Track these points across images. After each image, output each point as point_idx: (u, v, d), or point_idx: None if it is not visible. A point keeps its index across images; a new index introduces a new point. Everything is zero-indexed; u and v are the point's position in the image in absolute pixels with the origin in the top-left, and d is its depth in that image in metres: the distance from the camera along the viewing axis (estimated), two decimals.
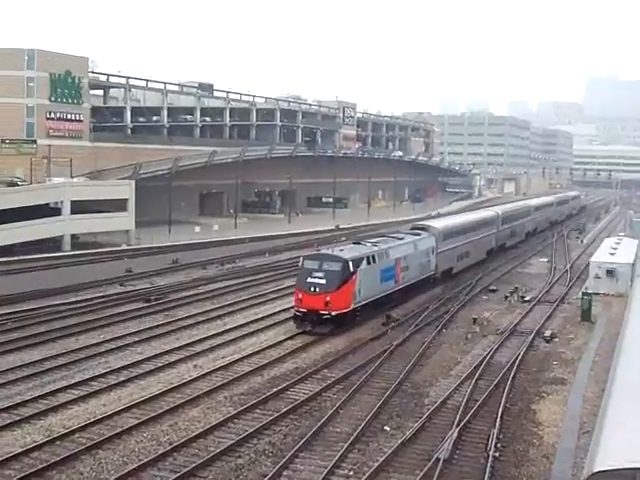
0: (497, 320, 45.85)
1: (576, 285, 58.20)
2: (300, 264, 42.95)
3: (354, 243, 49.94)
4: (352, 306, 41.63)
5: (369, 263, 43.74)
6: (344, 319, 41.15)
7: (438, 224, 60.38)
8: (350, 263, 41.26)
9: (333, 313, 40.29)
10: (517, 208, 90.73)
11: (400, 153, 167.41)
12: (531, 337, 40.70)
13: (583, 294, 48.12)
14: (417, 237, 53.73)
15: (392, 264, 47.40)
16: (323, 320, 40.32)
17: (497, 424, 26.74)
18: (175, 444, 24.73)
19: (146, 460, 23.38)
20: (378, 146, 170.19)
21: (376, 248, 46.41)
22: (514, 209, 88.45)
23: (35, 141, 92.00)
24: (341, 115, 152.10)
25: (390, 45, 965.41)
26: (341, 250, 44.60)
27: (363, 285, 42.54)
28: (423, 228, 57.42)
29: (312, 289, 40.42)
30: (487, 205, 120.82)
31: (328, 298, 40.13)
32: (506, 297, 53.03)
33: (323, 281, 40.39)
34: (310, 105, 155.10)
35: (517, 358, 36.01)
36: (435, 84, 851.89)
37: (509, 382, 32.03)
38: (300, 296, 40.91)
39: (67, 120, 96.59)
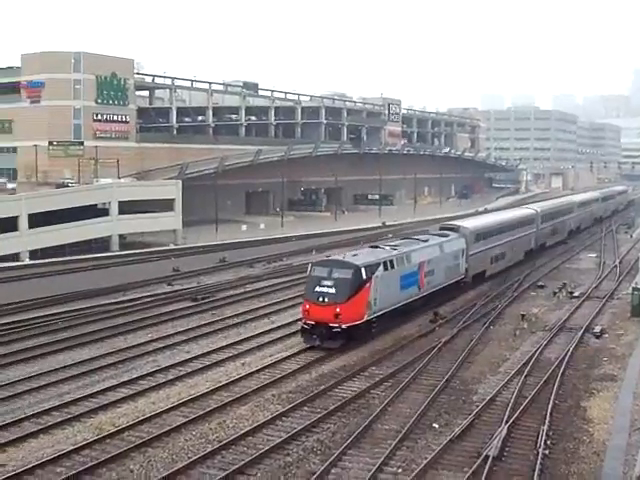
0: (546, 316, 45.42)
1: (626, 280, 57.35)
2: (308, 272, 39.19)
3: (371, 247, 45.40)
4: (366, 317, 37.81)
5: (386, 269, 39.89)
6: (357, 332, 37.35)
7: (469, 224, 56.31)
8: (363, 270, 37.53)
9: (344, 326, 36.33)
10: (558, 205, 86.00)
11: (447, 149, 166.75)
12: (580, 333, 40.22)
13: (633, 289, 47.37)
14: (444, 239, 49.86)
15: (414, 269, 43.73)
16: (333, 334, 36.41)
17: (547, 421, 26.47)
18: (224, 442, 24.83)
19: (195, 458, 23.51)
20: (424, 142, 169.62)
21: (395, 252, 42.50)
22: (555, 206, 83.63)
23: (82, 143, 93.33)
24: (386, 112, 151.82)
25: (433, 40, 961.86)
26: (354, 255, 40.54)
27: (379, 294, 38.74)
28: (452, 228, 53.45)
29: (320, 299, 36.60)
30: (534, 200, 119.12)
31: (338, 309, 36.15)
32: (554, 293, 52.52)
33: (332, 290, 36.53)
34: (355, 102, 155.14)
35: (566, 354, 35.64)
36: (479, 79, 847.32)
37: (558, 379, 31.70)
38: (307, 307, 37.08)
39: (113, 121, 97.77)
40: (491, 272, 57.89)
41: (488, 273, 57.32)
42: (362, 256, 40.28)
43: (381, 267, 39.31)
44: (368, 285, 37.72)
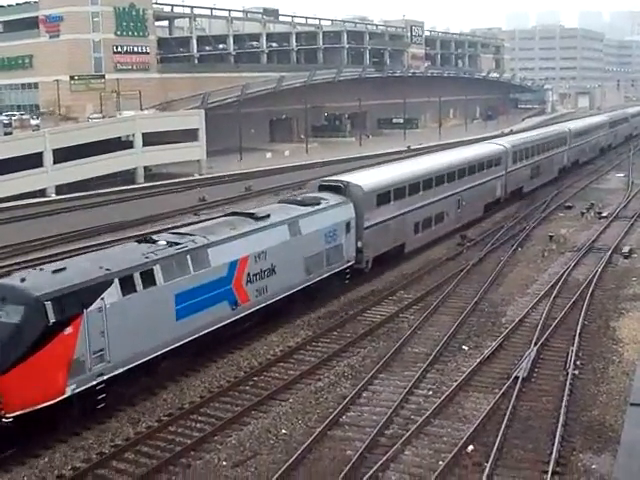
0: (574, 237, 45.22)
1: None
2: None
3: (138, 241, 26.04)
4: (72, 390, 20.45)
5: (131, 289, 22.31)
6: (47, 420, 20.25)
7: (364, 180, 37.26)
8: (49, 304, 19.95)
9: (8, 416, 19.21)
10: (543, 137, 66.87)
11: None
12: (609, 253, 40.06)
13: None
14: (307, 209, 31.80)
15: (219, 275, 25.91)
16: None
17: (576, 342, 26.53)
18: (255, 369, 25.15)
19: (227, 385, 23.88)
20: (447, 64, 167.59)
21: (171, 251, 24.37)
22: (537, 139, 64.63)
23: (103, 76, 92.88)
24: (409, 34, 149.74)
25: None
26: (56, 272, 21.45)
27: (114, 337, 21.50)
28: (336, 188, 35.19)
29: None
30: (560, 121, 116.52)
31: None
32: (582, 213, 52.18)
33: None
34: (377, 26, 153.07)
35: (595, 275, 35.55)
36: None
37: (587, 299, 31.68)
38: None
39: (134, 53, 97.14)
40: (416, 245, 41.12)
41: (410, 247, 40.47)
42: (70, 272, 21.66)
43: (115, 287, 21.81)
44: (69, 331, 20.42)
